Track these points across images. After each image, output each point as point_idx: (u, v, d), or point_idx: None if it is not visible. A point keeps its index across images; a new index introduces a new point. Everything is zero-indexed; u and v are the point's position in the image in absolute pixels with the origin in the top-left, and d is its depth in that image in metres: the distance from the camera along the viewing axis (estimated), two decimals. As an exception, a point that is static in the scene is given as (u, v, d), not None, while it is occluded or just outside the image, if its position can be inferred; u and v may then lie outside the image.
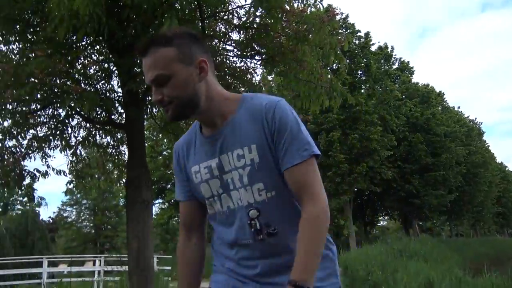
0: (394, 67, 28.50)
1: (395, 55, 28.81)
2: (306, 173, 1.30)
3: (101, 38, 4.81)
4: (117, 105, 5.90)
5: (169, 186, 33.58)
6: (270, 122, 1.30)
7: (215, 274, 1.47)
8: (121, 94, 5.87)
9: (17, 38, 5.05)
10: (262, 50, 5.48)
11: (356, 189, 24.16)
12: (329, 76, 5.47)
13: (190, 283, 1.45)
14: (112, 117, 6.13)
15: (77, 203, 47.34)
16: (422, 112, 26.07)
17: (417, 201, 25.08)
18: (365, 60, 23.01)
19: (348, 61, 19.86)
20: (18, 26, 4.86)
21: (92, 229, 47.07)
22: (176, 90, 1.27)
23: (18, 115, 5.61)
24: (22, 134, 6.01)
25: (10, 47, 5.34)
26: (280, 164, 1.30)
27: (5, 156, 5.68)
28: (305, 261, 1.23)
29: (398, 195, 25.30)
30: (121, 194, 39.51)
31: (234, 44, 5.83)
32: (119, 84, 5.73)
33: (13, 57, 5.27)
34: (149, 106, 6.09)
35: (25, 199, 43.70)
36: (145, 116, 6.39)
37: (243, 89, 6.42)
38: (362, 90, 22.72)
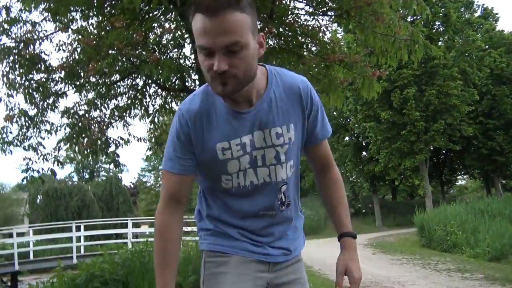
0: (476, 15, 26.12)
1: (477, 1, 26.39)
2: (328, 145, 1.52)
3: (172, 6, 4.86)
4: (190, 71, 6.00)
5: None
6: (309, 103, 1.38)
7: (221, 238, 1.41)
8: (194, 61, 5.95)
9: (96, 12, 5.25)
10: (335, 6, 5.21)
11: (432, 148, 23.06)
12: (408, 28, 5.10)
13: (175, 260, 1.36)
14: (186, 84, 6.26)
15: (155, 169, 50.19)
16: (508, 62, 23.81)
17: (501, 158, 23.40)
18: (443, 9, 21.32)
19: (424, 11, 18.55)
20: (96, 1, 5.03)
21: (170, 193, 49.81)
22: (245, 63, 1.18)
23: (100, 87, 5.94)
24: (105, 105, 6.39)
25: (90, 22, 5.58)
26: (310, 138, 1.43)
27: (92, 126, 6.06)
28: (347, 215, 1.55)
29: (480, 153, 23.75)
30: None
31: (305, 1, 5.61)
32: (192, 50, 5.80)
33: (93, 30, 5.51)
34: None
35: (110, 165, 46.96)
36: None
37: (314, 48, 6.22)
38: (440, 43, 21.19)
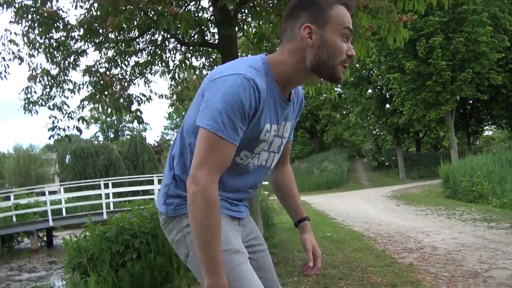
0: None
1: None
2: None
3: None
4: (209, 24, 5.86)
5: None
6: (301, 108, 1.60)
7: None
8: (212, 13, 5.79)
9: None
10: None
11: (459, 98, 22.41)
12: (437, -32, 4.77)
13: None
14: (206, 38, 6.14)
15: (177, 127, 50.81)
16: (542, 4, 22.47)
17: (531, 107, 22.66)
18: None
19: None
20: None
21: (193, 150, 50.67)
22: None
23: (120, 44, 5.88)
24: (125, 62, 6.35)
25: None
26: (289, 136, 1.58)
27: (113, 83, 6.06)
28: (301, 203, 1.74)
29: (508, 102, 22.98)
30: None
31: None
32: (210, 3, 5.64)
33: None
34: (241, 23, 5.95)
35: (134, 124, 47.56)
36: (238, 35, 6.30)
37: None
38: (469, -14, 20.03)
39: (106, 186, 17.54)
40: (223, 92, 1.23)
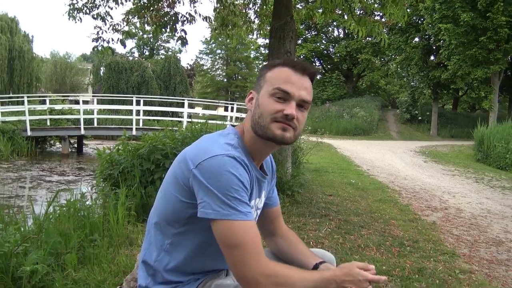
0: None
1: None
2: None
3: None
4: None
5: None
6: (275, 176, 1.64)
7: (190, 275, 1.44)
8: None
9: None
10: None
11: (510, 59, 21.09)
12: None
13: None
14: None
15: (212, 53, 50.20)
16: None
17: None
18: None
19: None
20: None
21: (224, 78, 50.41)
22: (304, 122, 1.33)
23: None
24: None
25: None
26: (270, 200, 1.61)
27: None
28: None
29: None
30: (252, 47, 40.43)
31: None
32: None
33: None
34: None
35: (175, 43, 47.25)
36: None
37: None
38: None
39: (138, 103, 17.80)
40: (217, 176, 1.18)
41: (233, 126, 1.41)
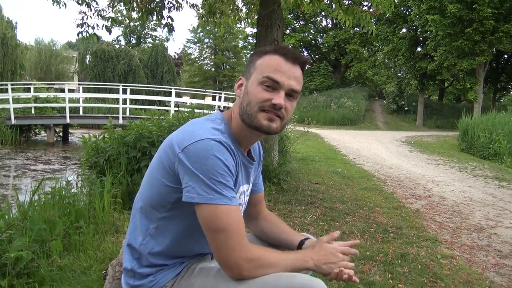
0: None
1: None
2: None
3: None
4: None
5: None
6: (261, 163, 1.63)
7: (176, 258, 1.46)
8: None
9: None
10: None
11: (495, 51, 21.33)
12: None
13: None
14: None
15: (200, 41, 49.80)
16: None
17: None
18: None
19: None
20: None
21: (212, 67, 50.11)
22: (292, 112, 1.33)
23: None
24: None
25: None
26: (255, 187, 1.60)
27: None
28: None
29: (546, 62, 21.90)
30: (240, 36, 40.18)
31: None
32: None
33: None
34: None
35: (162, 31, 46.68)
36: None
37: None
38: None
39: (124, 91, 17.61)
40: (202, 160, 1.17)
41: (221, 111, 1.41)
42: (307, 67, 1.42)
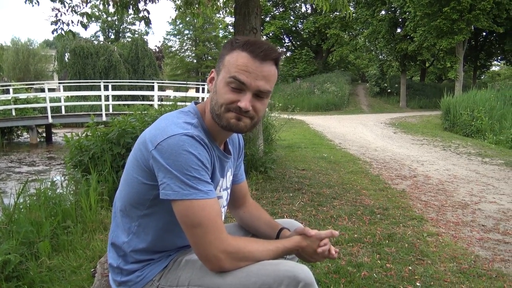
0: None
1: None
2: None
3: None
4: None
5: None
6: (242, 154, 1.64)
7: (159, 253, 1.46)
8: None
9: None
10: None
11: (473, 29, 21.55)
12: None
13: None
14: None
15: (180, 33, 49.24)
16: None
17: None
18: None
19: None
20: None
21: (194, 59, 49.68)
22: (263, 110, 1.29)
23: None
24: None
25: None
26: (236, 177, 1.61)
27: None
28: None
29: (524, 38, 22.22)
30: (220, 26, 39.87)
31: None
32: None
33: None
34: None
35: (136, 26, 46.00)
36: None
37: None
38: None
39: (106, 88, 17.39)
40: (175, 156, 1.16)
41: (196, 103, 1.39)
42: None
